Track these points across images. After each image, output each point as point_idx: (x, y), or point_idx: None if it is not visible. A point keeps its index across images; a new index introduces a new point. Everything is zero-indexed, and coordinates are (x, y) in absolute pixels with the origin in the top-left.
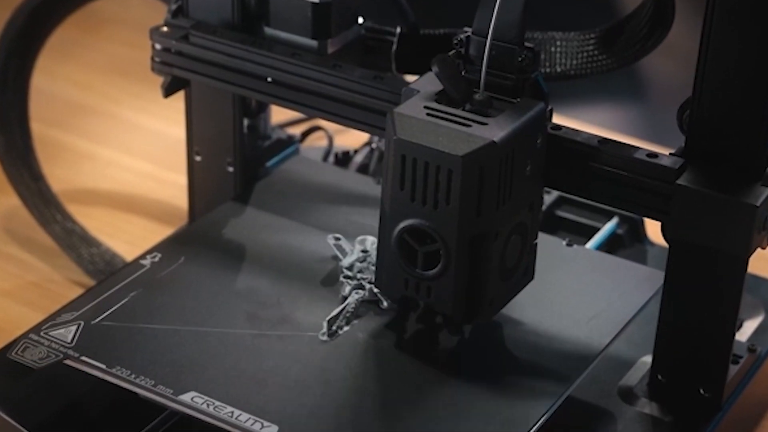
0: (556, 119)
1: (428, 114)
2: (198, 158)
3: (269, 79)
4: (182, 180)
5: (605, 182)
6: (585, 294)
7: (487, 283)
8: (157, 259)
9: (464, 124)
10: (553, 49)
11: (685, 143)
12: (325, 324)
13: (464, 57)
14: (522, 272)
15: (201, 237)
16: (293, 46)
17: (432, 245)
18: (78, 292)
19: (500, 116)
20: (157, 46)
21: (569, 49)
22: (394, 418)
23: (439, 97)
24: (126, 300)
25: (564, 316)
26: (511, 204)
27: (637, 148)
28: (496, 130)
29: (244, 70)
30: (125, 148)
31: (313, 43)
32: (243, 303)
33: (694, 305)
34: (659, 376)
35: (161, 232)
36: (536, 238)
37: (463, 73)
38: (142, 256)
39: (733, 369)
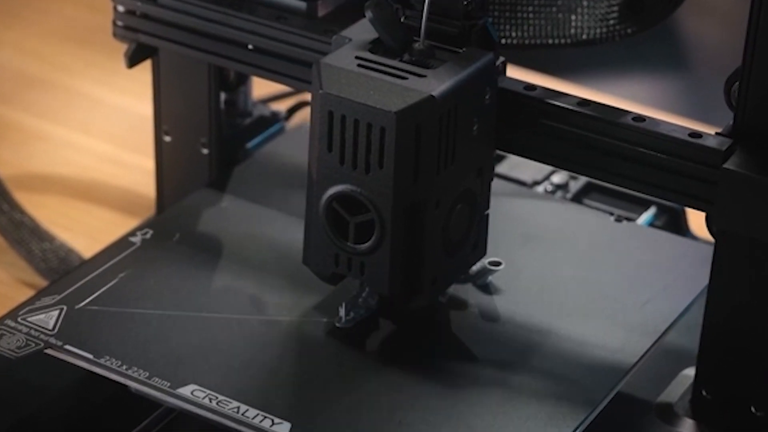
0: (586, 94)
1: (359, 65)
2: (167, 138)
3: (250, 47)
4: (149, 164)
5: (640, 166)
6: (637, 275)
7: (428, 259)
8: (148, 236)
9: (400, 77)
10: (579, 9)
11: (733, 121)
12: (341, 308)
13: (404, 1)
14: (471, 247)
15: (170, 227)
16: (278, 9)
17: (365, 215)
18: (28, 293)
19: (441, 68)
20: (120, 8)
21: (596, 11)
22: (418, 420)
23: (374, 46)
24: (114, 282)
25: (615, 300)
26: (454, 168)
27: (678, 126)
28: (435, 83)
29: (222, 35)
30: (83, 127)
31: (302, 4)
32: (244, 286)
33: (744, 309)
34: (703, 392)
35: (124, 224)
36: (488, 207)
37: (402, 19)
38: (132, 233)
39: None
